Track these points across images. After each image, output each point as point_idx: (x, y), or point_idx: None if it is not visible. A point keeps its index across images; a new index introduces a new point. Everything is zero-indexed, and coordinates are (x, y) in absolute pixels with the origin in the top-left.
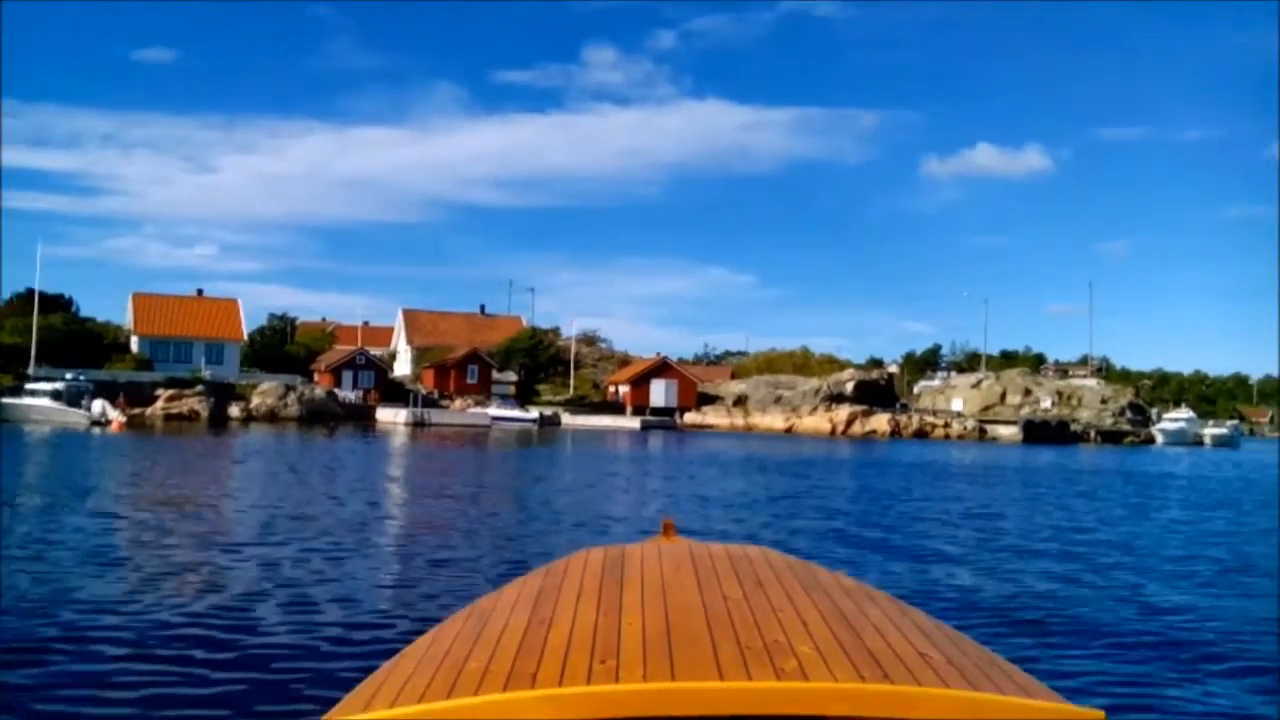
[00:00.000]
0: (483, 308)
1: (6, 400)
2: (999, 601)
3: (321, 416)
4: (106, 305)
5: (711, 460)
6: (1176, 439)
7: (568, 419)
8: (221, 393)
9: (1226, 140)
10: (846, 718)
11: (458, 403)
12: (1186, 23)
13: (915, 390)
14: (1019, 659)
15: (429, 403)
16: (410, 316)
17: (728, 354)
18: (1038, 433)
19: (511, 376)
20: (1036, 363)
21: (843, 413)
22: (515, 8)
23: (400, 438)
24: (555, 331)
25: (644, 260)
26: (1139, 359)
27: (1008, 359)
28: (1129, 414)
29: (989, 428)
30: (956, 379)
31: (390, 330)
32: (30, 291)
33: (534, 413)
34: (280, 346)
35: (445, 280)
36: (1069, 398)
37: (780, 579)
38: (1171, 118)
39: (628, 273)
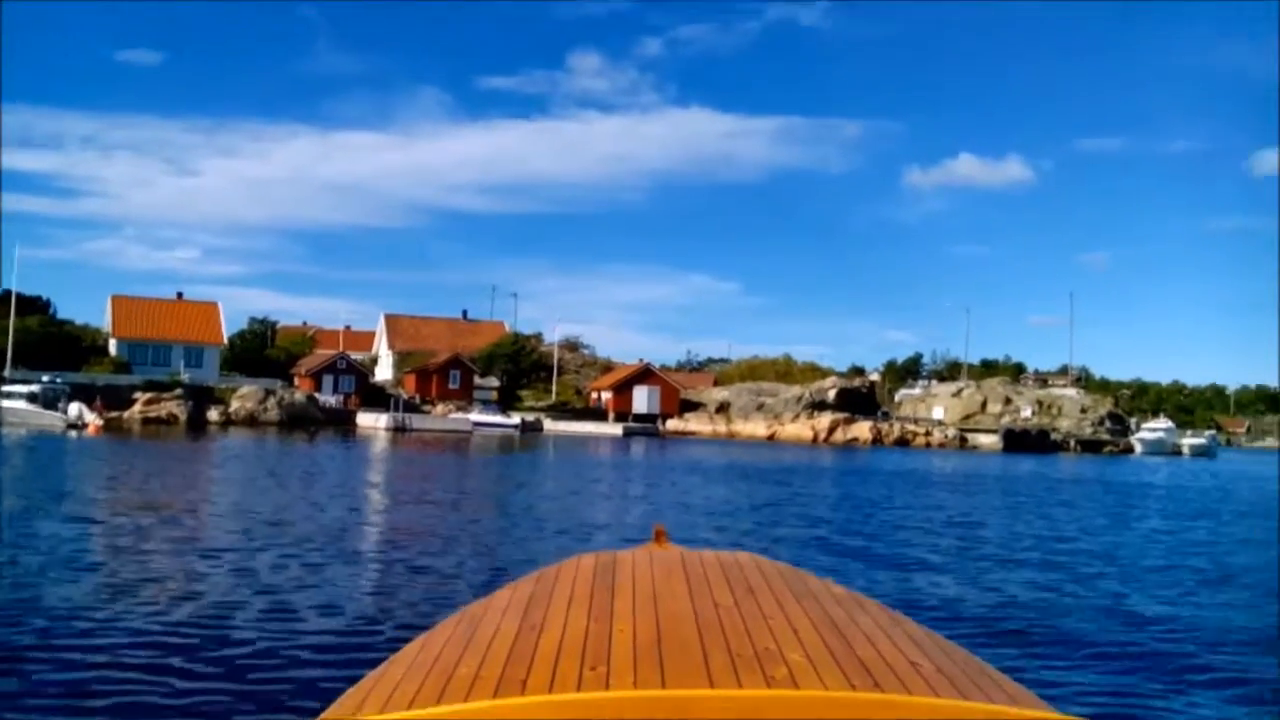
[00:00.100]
0: (465, 313)
1: None
2: (982, 611)
3: (302, 421)
4: (85, 308)
5: (694, 467)
6: (1155, 449)
7: (550, 425)
8: (200, 396)
9: (1206, 152)
10: None
11: (439, 408)
12: (1167, 35)
13: (896, 398)
14: (1004, 669)
15: (410, 408)
16: (392, 321)
17: (710, 361)
18: (1018, 441)
19: (494, 382)
20: (1016, 372)
21: (825, 420)
22: (500, 14)
23: (381, 443)
24: (538, 337)
25: (627, 267)
26: (1118, 369)
27: (988, 368)
28: (1108, 423)
29: (970, 436)
30: (937, 387)
31: (372, 335)
32: (7, 293)
33: (516, 419)
34: (260, 350)
35: (428, 285)
36: (1049, 407)
37: (771, 586)
38: (1151, 130)
39: (611, 279)
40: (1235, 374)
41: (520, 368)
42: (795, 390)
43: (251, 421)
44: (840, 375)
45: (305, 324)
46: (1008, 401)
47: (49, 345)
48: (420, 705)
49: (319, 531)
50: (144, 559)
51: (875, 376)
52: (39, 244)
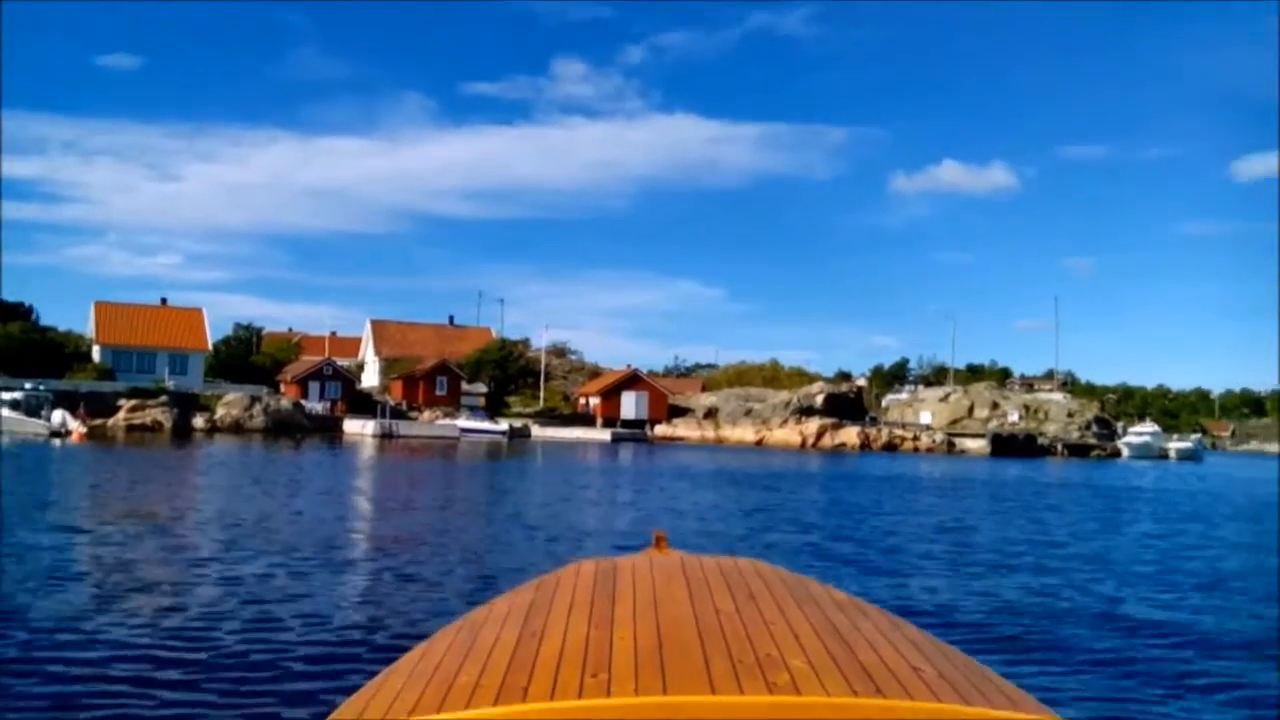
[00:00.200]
0: (451, 319)
1: None
2: (977, 617)
3: (287, 428)
4: (68, 314)
5: (683, 473)
6: (1141, 453)
7: (538, 431)
8: (185, 403)
9: (1187, 158)
10: None
11: (426, 414)
12: (1149, 43)
13: (883, 403)
14: (1001, 675)
15: (397, 414)
16: (378, 327)
17: (698, 366)
18: (1005, 446)
19: (481, 388)
20: (1003, 376)
21: (812, 425)
22: (484, 20)
23: (368, 450)
24: (525, 343)
25: (613, 272)
26: (1103, 373)
27: (974, 373)
28: (1095, 427)
29: (957, 441)
30: (924, 392)
31: (358, 341)
32: None
33: (504, 425)
34: (246, 357)
35: (414, 291)
36: (1036, 411)
37: (772, 591)
38: (1134, 136)
39: (597, 285)
40: (1220, 378)
41: (507, 373)
42: (783, 396)
43: (237, 429)
44: (827, 380)
45: (291, 330)
46: (995, 406)
47: (31, 352)
48: (421, 713)
49: (306, 540)
50: (129, 568)
51: (862, 382)
52: (20, 250)
